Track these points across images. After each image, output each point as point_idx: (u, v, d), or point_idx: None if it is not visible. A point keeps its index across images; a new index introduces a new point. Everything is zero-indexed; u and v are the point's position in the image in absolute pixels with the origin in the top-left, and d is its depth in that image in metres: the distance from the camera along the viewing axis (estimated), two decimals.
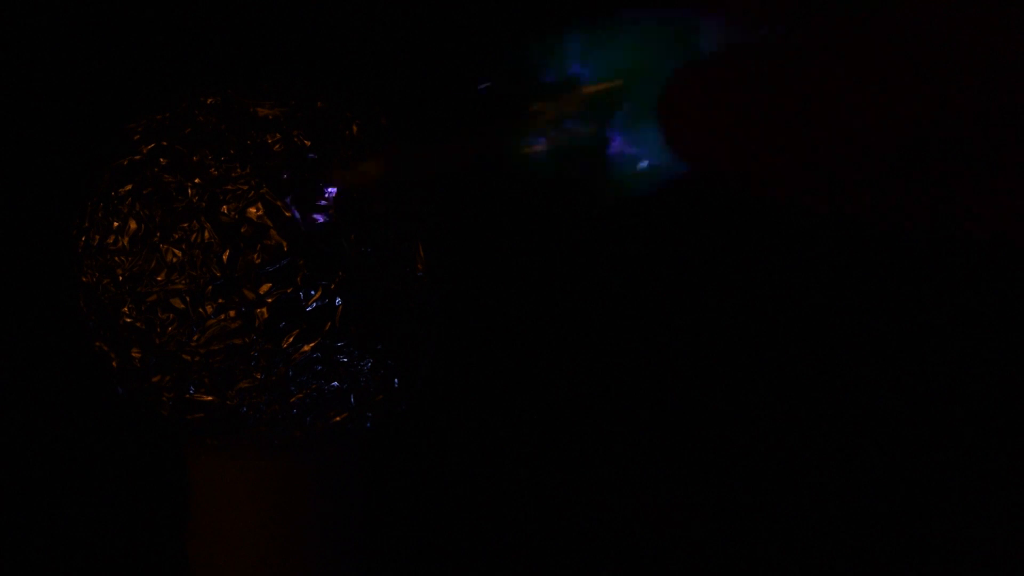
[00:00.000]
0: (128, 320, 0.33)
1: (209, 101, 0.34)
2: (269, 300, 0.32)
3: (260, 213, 0.32)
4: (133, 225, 0.33)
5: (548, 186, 0.27)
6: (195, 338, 0.32)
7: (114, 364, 0.34)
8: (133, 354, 0.33)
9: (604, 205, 0.26)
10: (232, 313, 0.32)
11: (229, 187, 0.32)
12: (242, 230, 0.32)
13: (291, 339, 0.32)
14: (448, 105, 0.50)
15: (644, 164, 0.25)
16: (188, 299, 0.32)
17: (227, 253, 0.32)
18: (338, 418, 0.34)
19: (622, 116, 0.25)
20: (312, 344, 0.32)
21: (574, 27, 0.26)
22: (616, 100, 0.25)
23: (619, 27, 0.25)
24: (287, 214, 0.32)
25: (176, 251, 0.32)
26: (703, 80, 0.21)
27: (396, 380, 0.35)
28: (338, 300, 0.32)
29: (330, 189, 0.32)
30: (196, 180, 0.32)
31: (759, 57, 0.21)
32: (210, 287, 0.32)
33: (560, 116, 0.26)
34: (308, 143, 0.33)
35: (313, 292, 0.32)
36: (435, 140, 0.28)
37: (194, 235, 0.32)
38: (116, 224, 0.33)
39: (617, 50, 0.25)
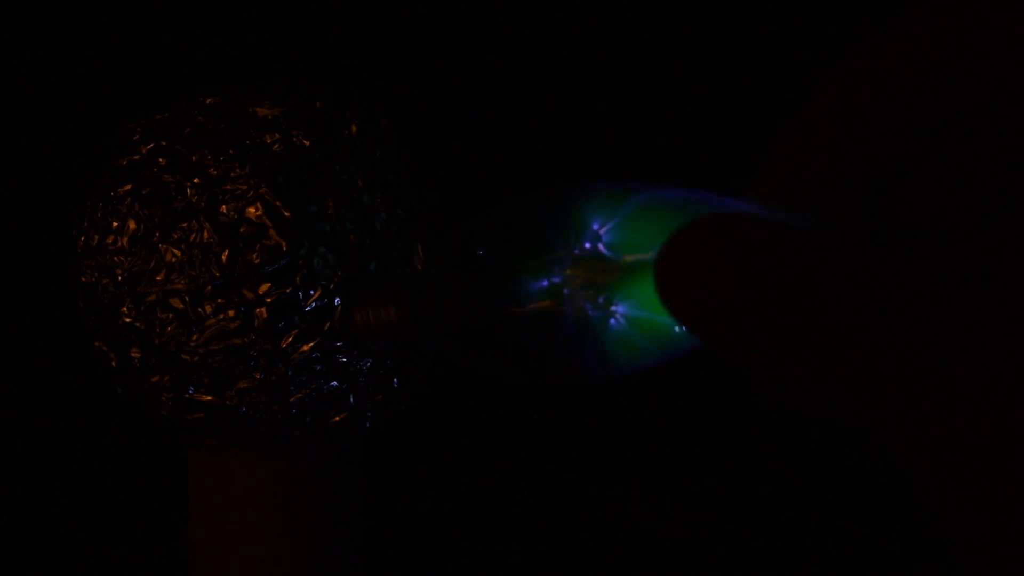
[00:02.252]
0: (128, 320, 0.33)
1: (209, 101, 0.34)
2: (268, 300, 0.32)
3: (259, 213, 0.32)
4: (133, 225, 0.33)
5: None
6: (195, 338, 0.32)
7: (114, 364, 0.34)
8: (133, 354, 0.33)
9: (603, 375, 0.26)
10: (231, 313, 0.32)
11: (229, 187, 0.32)
12: (241, 230, 0.32)
13: (290, 339, 0.32)
14: (447, 106, 0.50)
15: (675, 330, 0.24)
16: (187, 299, 0.32)
17: (226, 253, 0.32)
18: (338, 418, 0.34)
19: (637, 290, 0.25)
20: (311, 344, 0.32)
21: (602, 191, 0.25)
22: (638, 274, 0.25)
23: (650, 200, 0.25)
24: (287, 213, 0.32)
25: (175, 251, 0.32)
26: (703, 241, 0.20)
27: (396, 380, 0.35)
28: (337, 300, 0.32)
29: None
30: (196, 180, 0.32)
31: (771, 230, 0.20)
32: (209, 287, 0.32)
33: (583, 282, 0.25)
34: (308, 143, 0.33)
35: (312, 292, 0.32)
36: (452, 295, 0.27)
37: (193, 235, 0.32)
38: (116, 224, 0.33)
39: (646, 222, 0.24)
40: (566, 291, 0.25)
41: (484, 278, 0.27)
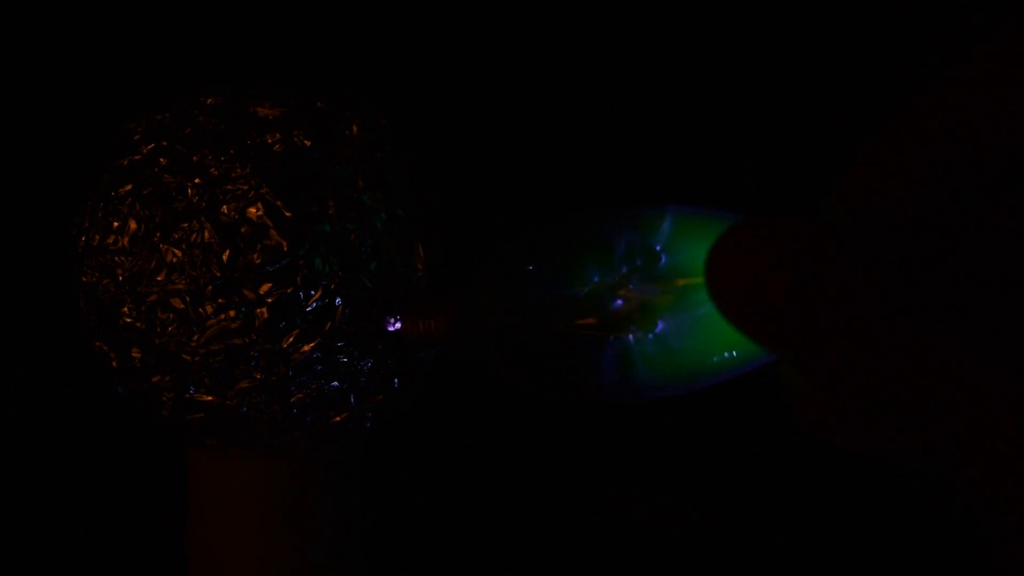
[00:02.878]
0: (128, 320, 0.33)
1: (209, 101, 0.34)
2: (269, 300, 0.32)
3: (260, 213, 0.32)
4: (133, 225, 0.33)
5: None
6: (195, 338, 0.32)
7: (114, 364, 0.34)
8: (133, 354, 0.33)
9: (633, 396, 0.26)
10: (232, 313, 0.32)
11: (229, 187, 0.32)
12: (242, 230, 0.32)
13: (291, 339, 0.32)
14: (447, 106, 0.50)
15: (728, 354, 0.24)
16: (188, 299, 0.32)
17: (227, 253, 0.32)
18: (338, 418, 0.34)
19: (689, 313, 0.24)
20: (312, 344, 0.32)
21: (659, 210, 0.25)
22: (691, 297, 0.24)
23: (701, 220, 0.24)
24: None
25: (176, 251, 0.32)
26: (757, 239, 0.20)
27: (396, 380, 0.35)
28: (338, 300, 0.32)
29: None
30: (196, 180, 0.32)
31: (822, 234, 0.19)
32: (210, 287, 0.32)
33: (641, 302, 0.25)
34: (308, 143, 0.33)
35: (313, 292, 0.32)
36: (501, 310, 0.27)
37: (194, 235, 0.32)
38: (116, 224, 0.33)
39: (697, 246, 0.24)
40: (616, 312, 0.25)
41: (534, 295, 0.27)
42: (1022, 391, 0.17)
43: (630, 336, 0.25)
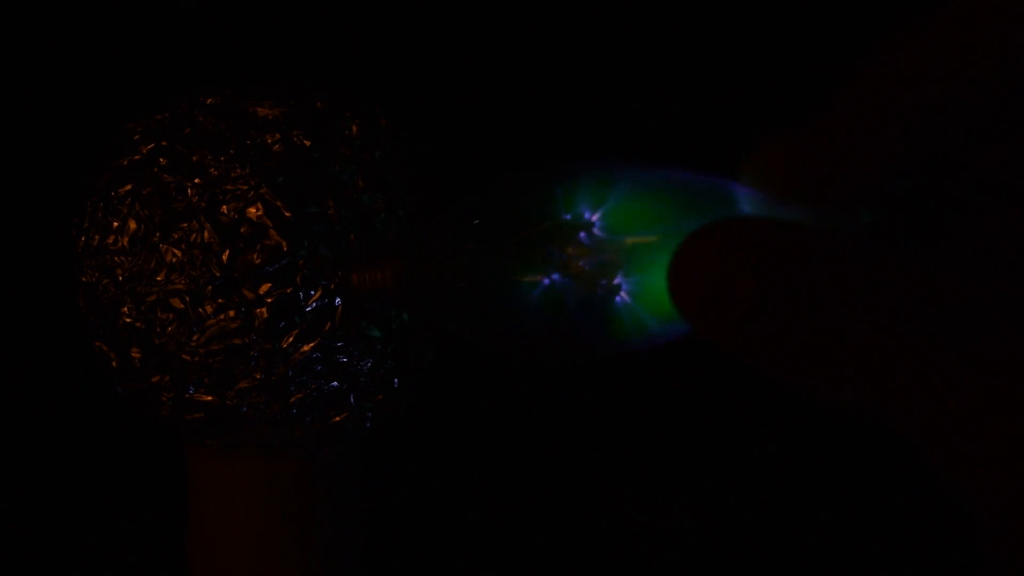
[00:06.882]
0: (128, 320, 0.33)
1: (209, 101, 0.34)
2: (269, 300, 0.32)
3: (260, 213, 0.32)
4: (133, 225, 0.33)
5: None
6: (195, 338, 0.32)
7: (114, 364, 0.34)
8: (133, 354, 0.33)
9: (600, 354, 0.26)
10: (232, 313, 0.32)
11: (229, 187, 0.32)
12: (242, 230, 0.32)
13: (291, 339, 0.32)
14: (447, 106, 0.50)
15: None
16: (188, 299, 0.32)
17: (227, 253, 0.32)
18: (338, 418, 0.34)
19: (635, 270, 0.24)
20: (312, 344, 0.32)
21: (604, 169, 0.25)
22: (637, 254, 0.24)
23: (651, 180, 0.24)
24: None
25: (176, 251, 0.32)
26: (717, 246, 0.19)
27: (396, 380, 0.35)
28: (338, 300, 0.32)
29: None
30: (196, 180, 0.32)
31: (789, 237, 0.19)
32: (210, 287, 0.32)
33: (580, 260, 0.25)
34: (308, 143, 0.33)
35: (313, 292, 0.32)
36: (447, 261, 0.27)
37: (194, 235, 0.32)
38: (116, 224, 0.33)
39: (645, 202, 0.24)
40: (562, 265, 0.25)
41: (479, 246, 0.27)
42: (997, 386, 0.17)
43: (583, 287, 0.25)
